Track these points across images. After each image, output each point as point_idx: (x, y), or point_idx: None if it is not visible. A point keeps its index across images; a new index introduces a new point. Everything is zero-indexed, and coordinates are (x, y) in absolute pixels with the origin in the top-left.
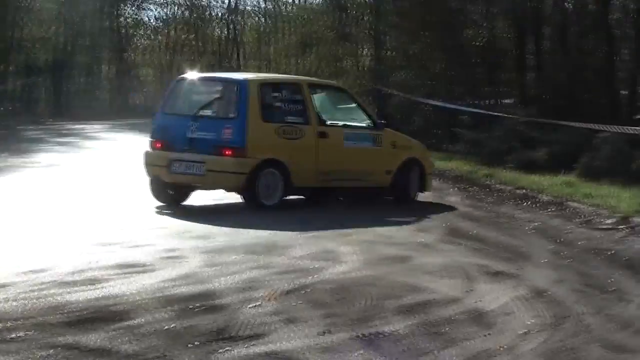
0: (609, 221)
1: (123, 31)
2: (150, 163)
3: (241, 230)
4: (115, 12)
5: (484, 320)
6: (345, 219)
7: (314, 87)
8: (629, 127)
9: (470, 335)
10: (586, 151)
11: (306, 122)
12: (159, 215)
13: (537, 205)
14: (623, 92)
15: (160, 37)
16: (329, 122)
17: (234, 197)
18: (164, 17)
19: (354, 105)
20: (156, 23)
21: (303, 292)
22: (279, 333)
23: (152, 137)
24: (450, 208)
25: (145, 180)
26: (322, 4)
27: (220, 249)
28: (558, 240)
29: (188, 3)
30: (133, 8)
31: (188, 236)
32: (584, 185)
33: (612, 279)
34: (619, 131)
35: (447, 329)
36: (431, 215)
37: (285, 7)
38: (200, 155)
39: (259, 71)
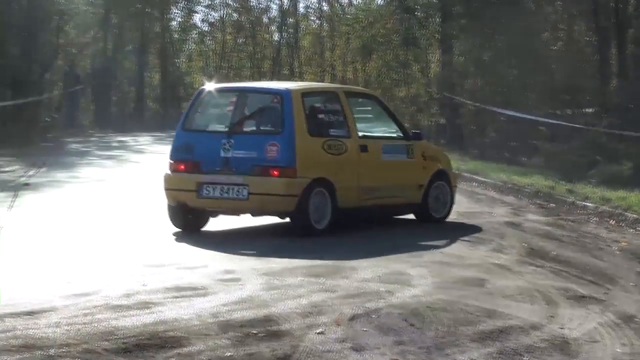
0: None
1: (175, 36)
2: (173, 187)
3: (296, 252)
4: (164, 16)
5: (568, 349)
6: (400, 240)
7: (350, 96)
8: None
9: None
10: None
11: (347, 135)
12: (207, 237)
13: (624, 223)
14: None
15: (209, 42)
16: (365, 134)
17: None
18: (213, 21)
19: (385, 114)
20: (204, 27)
21: (371, 317)
22: None
23: (172, 157)
24: (515, 225)
25: None
26: (385, 6)
27: (279, 271)
28: None
29: (238, 5)
30: (185, 10)
31: (243, 257)
32: None
33: None
34: None
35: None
36: (504, 234)
37: (343, 10)
38: (240, 177)
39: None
